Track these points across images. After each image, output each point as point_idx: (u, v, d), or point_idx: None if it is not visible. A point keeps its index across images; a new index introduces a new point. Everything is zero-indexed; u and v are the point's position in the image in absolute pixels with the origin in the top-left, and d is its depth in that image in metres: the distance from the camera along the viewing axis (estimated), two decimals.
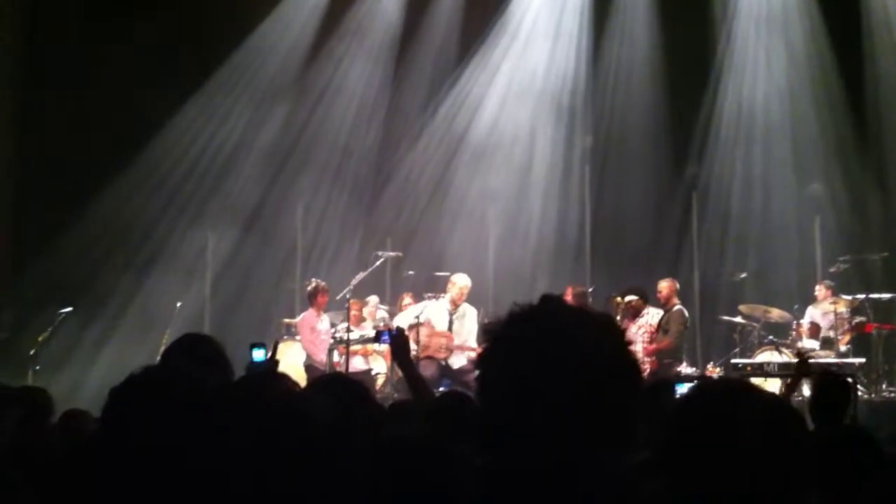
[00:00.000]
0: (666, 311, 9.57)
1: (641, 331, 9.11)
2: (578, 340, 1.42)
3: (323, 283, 9.71)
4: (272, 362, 3.07)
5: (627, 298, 9.33)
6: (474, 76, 11.82)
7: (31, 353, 9.32)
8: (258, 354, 3.05)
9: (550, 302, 1.48)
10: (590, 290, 10.34)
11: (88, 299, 10.21)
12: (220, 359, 3.07)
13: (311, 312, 9.67)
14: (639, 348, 8.92)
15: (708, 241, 11.28)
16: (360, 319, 9.79)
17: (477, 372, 1.48)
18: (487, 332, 1.48)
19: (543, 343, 1.41)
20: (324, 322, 9.63)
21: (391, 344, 3.88)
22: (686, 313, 9.68)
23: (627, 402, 1.42)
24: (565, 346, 1.41)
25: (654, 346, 9.09)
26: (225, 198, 11.36)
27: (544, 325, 1.44)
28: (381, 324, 9.71)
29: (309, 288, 9.75)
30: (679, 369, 9.27)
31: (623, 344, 1.47)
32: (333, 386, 2.44)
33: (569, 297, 9.27)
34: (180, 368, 2.71)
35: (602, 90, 11.73)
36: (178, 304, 10.34)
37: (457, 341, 9.24)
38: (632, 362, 1.47)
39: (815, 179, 10.93)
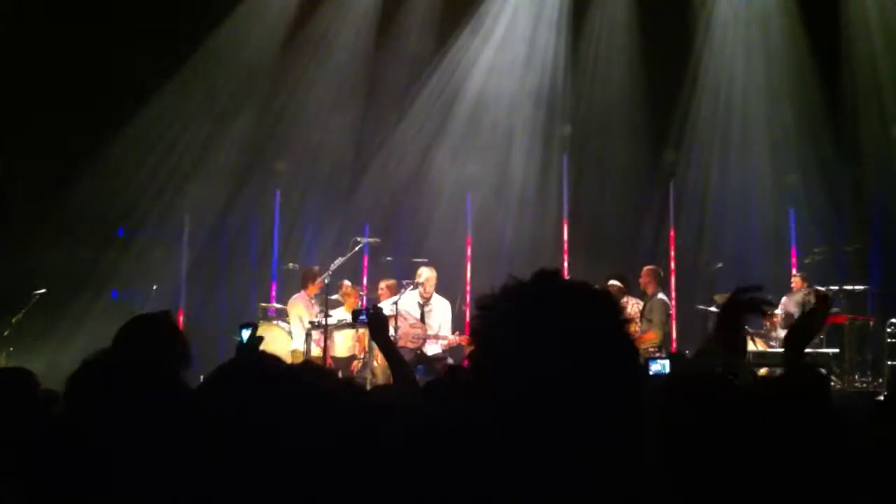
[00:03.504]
0: (647, 301, 9.68)
1: None
2: (574, 314, 1.40)
3: (317, 268, 9.71)
4: (256, 340, 3.09)
5: (610, 282, 9.42)
6: (454, 64, 11.79)
7: (5, 333, 9.24)
8: (245, 335, 3.10)
9: (546, 276, 1.45)
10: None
11: (64, 281, 10.11)
12: (173, 338, 3.05)
13: (303, 295, 9.66)
14: None
15: (685, 231, 11.36)
16: (341, 304, 9.78)
17: (471, 346, 1.46)
18: (481, 306, 1.45)
19: (538, 315, 1.39)
20: (315, 307, 9.63)
21: (369, 323, 3.81)
22: (667, 301, 9.88)
23: (623, 377, 1.40)
24: (560, 319, 1.38)
25: (641, 336, 9.18)
26: (202, 183, 11.26)
27: (539, 298, 1.41)
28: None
29: (304, 270, 9.76)
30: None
31: (620, 320, 1.44)
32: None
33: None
34: (132, 352, 2.70)
35: (581, 79, 11.74)
36: (154, 287, 10.28)
37: (429, 332, 9.27)
38: (627, 338, 1.45)
39: (791, 170, 11.01)
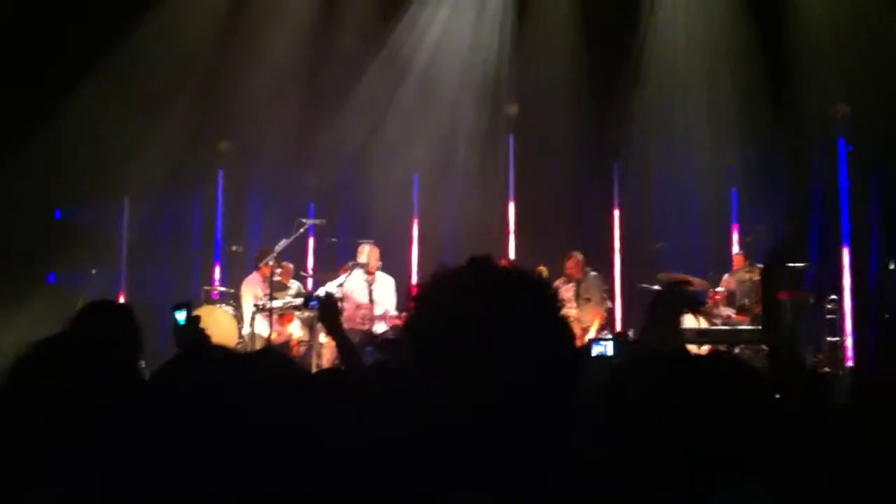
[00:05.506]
0: (580, 282, 9.84)
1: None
2: (506, 300, 1.39)
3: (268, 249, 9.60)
4: (194, 321, 3.02)
5: (573, 253, 9.69)
6: (399, 44, 11.67)
7: None
8: (181, 316, 2.98)
9: (477, 263, 1.44)
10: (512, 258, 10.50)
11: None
12: (128, 325, 2.98)
13: (256, 277, 9.54)
14: None
15: (629, 210, 11.45)
16: (281, 287, 9.69)
17: (405, 336, 1.44)
18: (415, 297, 1.44)
19: (469, 303, 1.38)
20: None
21: (320, 309, 3.79)
22: (600, 276, 10.11)
23: (558, 361, 1.40)
24: (492, 306, 1.37)
25: (585, 318, 9.40)
26: (142, 164, 11.00)
27: (470, 286, 1.41)
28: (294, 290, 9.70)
29: (259, 251, 9.65)
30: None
31: (553, 303, 1.44)
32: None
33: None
34: (85, 337, 2.62)
35: (526, 59, 11.70)
36: (94, 271, 10.08)
37: (377, 311, 9.26)
38: (561, 321, 1.44)
39: (732, 149, 11.13)
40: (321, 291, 8.95)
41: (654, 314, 3.20)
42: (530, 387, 1.36)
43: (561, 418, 1.39)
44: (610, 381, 1.82)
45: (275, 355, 1.60)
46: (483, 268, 1.43)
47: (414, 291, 1.45)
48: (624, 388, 1.78)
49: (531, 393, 1.36)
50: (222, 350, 1.60)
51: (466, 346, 1.36)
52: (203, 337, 3.01)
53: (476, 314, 1.37)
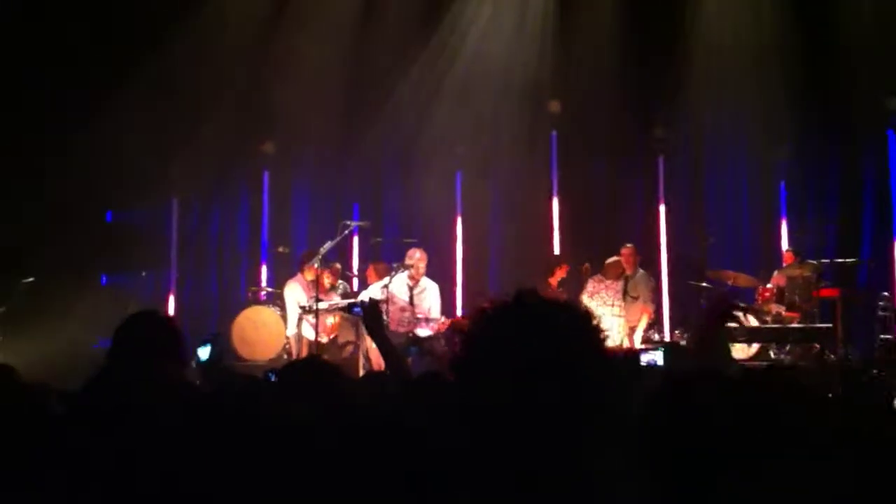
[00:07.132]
0: (629, 279, 9.75)
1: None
2: (558, 332, 1.49)
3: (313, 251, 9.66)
4: (216, 356, 3.04)
5: (627, 245, 9.75)
6: (442, 42, 11.66)
7: None
8: (203, 354, 3.00)
9: (527, 297, 1.55)
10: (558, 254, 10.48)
11: (53, 268, 10.01)
12: (172, 339, 3.00)
13: (300, 279, 9.60)
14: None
15: (677, 206, 11.33)
16: (331, 288, 9.74)
17: (457, 363, 1.53)
18: (463, 336, 1.54)
19: (524, 336, 1.48)
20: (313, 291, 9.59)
21: (364, 316, 3.82)
22: (650, 276, 10.00)
23: (601, 389, 1.48)
24: (545, 338, 1.47)
25: (634, 316, 9.40)
26: (190, 166, 11.13)
27: (523, 319, 1.51)
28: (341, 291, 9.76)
29: (304, 254, 9.70)
30: (654, 335, 9.59)
31: (598, 334, 1.53)
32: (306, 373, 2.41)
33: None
34: (135, 356, 2.65)
35: (570, 54, 11.61)
36: (144, 273, 10.23)
37: (419, 314, 9.22)
38: (605, 351, 1.53)
39: (782, 142, 10.94)
40: (364, 295, 8.99)
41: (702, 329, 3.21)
42: (570, 420, 1.43)
43: (594, 451, 1.45)
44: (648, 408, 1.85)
45: (312, 376, 1.64)
46: (528, 306, 1.52)
47: (461, 319, 1.55)
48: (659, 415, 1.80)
49: (570, 425, 1.42)
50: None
51: (510, 383, 1.44)
52: (229, 373, 3.04)
53: (522, 356, 1.45)
